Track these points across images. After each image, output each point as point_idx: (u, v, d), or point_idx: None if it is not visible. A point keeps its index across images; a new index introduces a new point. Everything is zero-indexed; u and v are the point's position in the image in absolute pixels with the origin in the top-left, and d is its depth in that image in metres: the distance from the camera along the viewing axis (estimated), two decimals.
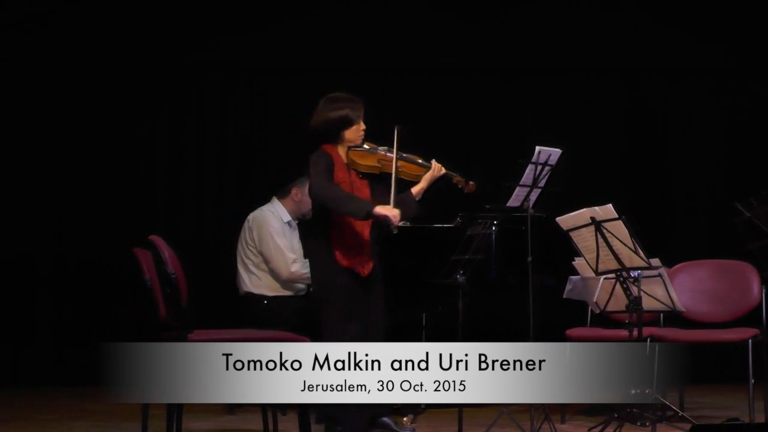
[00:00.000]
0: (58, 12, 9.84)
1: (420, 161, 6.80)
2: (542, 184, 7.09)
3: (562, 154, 7.09)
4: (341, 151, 6.67)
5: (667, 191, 10.06)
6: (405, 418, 7.35)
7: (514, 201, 7.16)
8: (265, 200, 8.31)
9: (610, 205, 6.55)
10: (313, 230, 6.66)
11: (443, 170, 6.80)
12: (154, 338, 6.07)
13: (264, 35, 9.95)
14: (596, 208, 6.57)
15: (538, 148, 7.01)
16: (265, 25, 9.95)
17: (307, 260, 8.09)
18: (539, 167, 7.01)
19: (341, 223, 6.53)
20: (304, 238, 6.75)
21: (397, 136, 6.64)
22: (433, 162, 6.80)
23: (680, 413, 7.24)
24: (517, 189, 7.10)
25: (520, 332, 7.07)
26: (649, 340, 7.36)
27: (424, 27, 9.96)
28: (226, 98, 10.10)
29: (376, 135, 6.74)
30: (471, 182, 6.87)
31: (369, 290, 6.61)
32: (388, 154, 6.66)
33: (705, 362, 9.34)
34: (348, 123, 6.63)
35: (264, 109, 10.09)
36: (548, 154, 7.03)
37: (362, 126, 6.67)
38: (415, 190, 6.77)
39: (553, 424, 6.81)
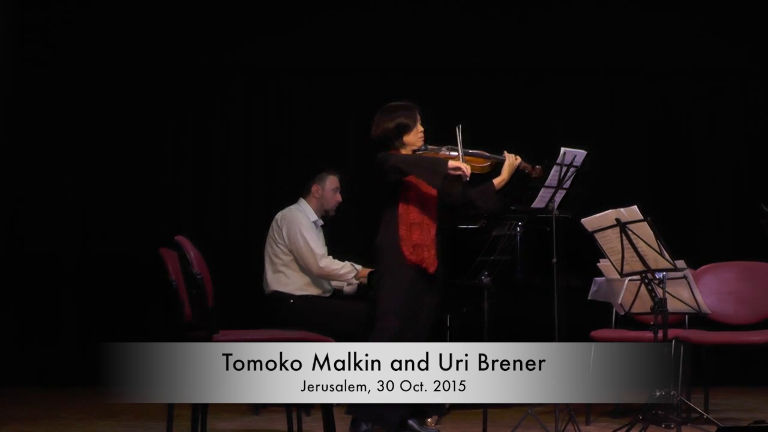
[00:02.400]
0: (85, 13, 9.88)
1: (487, 154, 6.89)
2: (567, 185, 7.06)
3: (587, 155, 7.07)
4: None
5: (692, 192, 10.03)
6: (429, 419, 7.35)
7: (539, 202, 7.14)
8: (290, 200, 8.33)
9: (636, 206, 6.54)
10: (382, 233, 6.78)
11: (519, 159, 6.94)
12: (180, 338, 6.10)
13: (289, 36, 9.97)
14: (621, 209, 6.56)
15: (563, 149, 6.99)
16: (290, 26, 9.97)
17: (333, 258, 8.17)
18: (564, 168, 6.99)
19: (410, 221, 6.69)
20: (375, 232, 6.84)
21: (460, 135, 6.74)
22: (506, 153, 6.94)
23: (705, 415, 7.22)
24: (542, 190, 7.07)
25: (546, 333, 7.07)
26: (674, 341, 7.35)
27: (450, 27, 9.96)
28: (252, 98, 10.11)
29: None
30: (538, 167, 6.95)
31: (430, 289, 6.74)
32: (452, 153, 6.76)
33: (730, 364, 9.33)
34: (406, 129, 6.78)
35: (289, 109, 10.11)
36: (573, 155, 7.02)
37: (420, 129, 6.83)
38: (496, 181, 6.92)
39: (577, 425, 6.81)
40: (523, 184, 7.09)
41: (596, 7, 9.96)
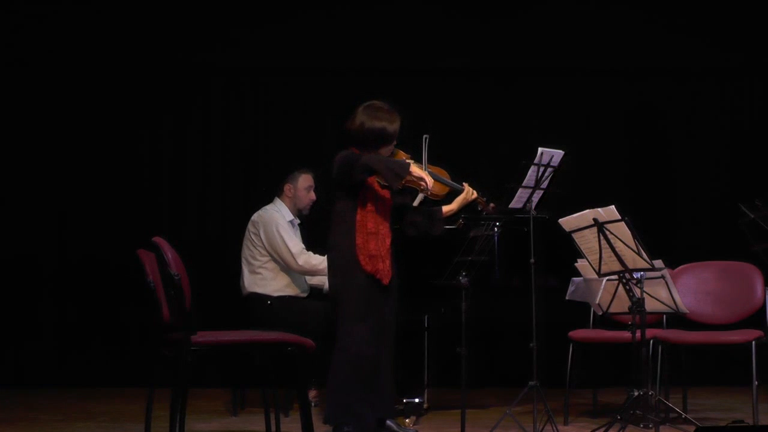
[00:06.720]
0: (62, 13, 9.84)
1: (447, 180, 6.85)
2: (545, 185, 7.07)
3: (565, 155, 7.08)
4: None
5: (670, 192, 10.04)
6: (408, 420, 7.35)
7: (516, 202, 7.15)
8: (268, 201, 8.31)
9: (613, 206, 6.55)
10: (337, 235, 6.68)
11: (475, 194, 6.92)
12: (158, 340, 6.10)
13: (268, 36, 9.95)
14: (599, 209, 6.57)
15: (540, 149, 6.99)
16: (268, 26, 9.95)
17: (315, 254, 8.16)
18: (542, 168, 7.00)
19: (366, 231, 6.61)
20: (326, 238, 6.78)
21: (426, 146, 6.70)
22: (466, 185, 6.91)
23: (684, 415, 7.24)
24: (520, 190, 7.08)
25: (524, 334, 7.08)
26: (652, 341, 7.37)
27: (428, 28, 9.96)
28: (230, 99, 10.09)
29: None
30: (492, 204, 6.94)
31: (385, 296, 6.65)
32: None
33: (708, 364, 9.34)
34: (384, 139, 6.63)
35: (267, 109, 10.08)
36: (551, 155, 7.02)
37: (393, 144, 6.71)
38: (445, 209, 6.91)
39: (555, 425, 6.81)
40: (500, 186, 7.09)
41: (573, 8, 9.96)
